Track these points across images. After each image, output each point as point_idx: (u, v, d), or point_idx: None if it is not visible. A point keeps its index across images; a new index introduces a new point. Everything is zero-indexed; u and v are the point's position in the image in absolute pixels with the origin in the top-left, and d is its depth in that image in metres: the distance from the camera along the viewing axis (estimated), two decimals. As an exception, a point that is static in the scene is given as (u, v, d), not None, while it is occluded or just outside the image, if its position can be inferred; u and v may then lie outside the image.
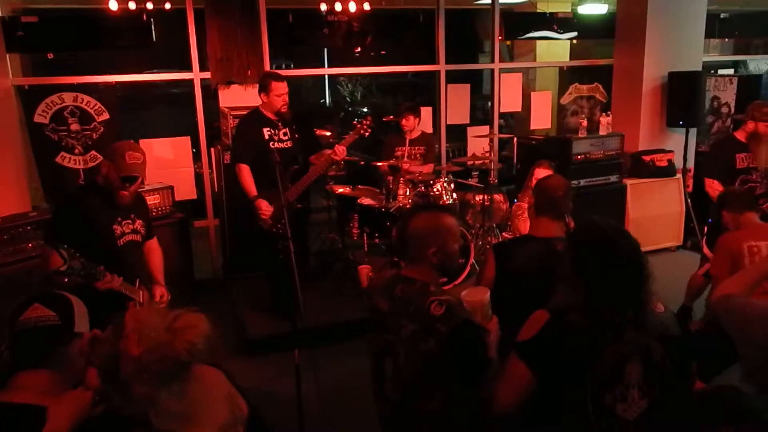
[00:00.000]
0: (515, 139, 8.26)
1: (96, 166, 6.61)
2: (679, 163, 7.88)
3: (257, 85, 5.85)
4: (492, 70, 8.64)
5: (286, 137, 5.77)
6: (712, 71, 9.79)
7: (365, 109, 15.20)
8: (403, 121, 7.08)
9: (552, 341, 2.35)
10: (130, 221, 3.88)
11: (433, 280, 2.67)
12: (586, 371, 2.31)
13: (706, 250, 5.60)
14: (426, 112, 8.27)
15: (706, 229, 5.80)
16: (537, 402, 2.40)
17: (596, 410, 2.33)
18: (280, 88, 5.58)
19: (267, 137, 5.66)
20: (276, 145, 5.63)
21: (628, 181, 7.68)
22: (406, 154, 7.08)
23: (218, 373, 2.26)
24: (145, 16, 7.07)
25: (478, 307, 2.66)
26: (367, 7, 7.94)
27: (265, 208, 5.54)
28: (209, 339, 2.06)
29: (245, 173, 5.62)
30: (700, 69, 7.93)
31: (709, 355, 4.02)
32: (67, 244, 3.31)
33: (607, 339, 2.31)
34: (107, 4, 6.73)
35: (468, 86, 8.67)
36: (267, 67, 7.19)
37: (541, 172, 5.29)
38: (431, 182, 6.71)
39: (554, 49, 11.43)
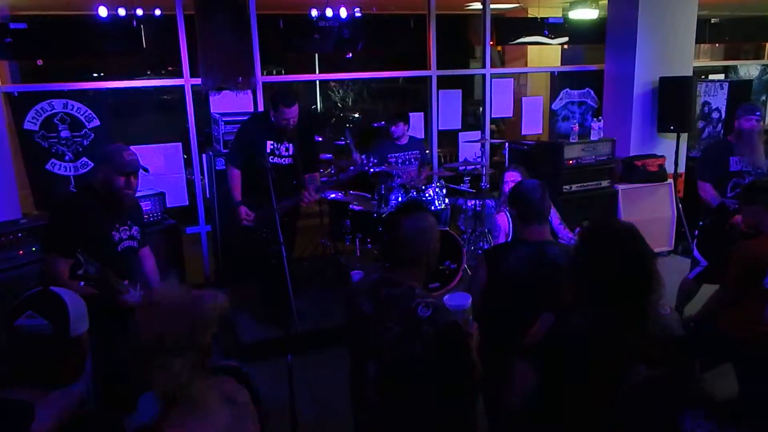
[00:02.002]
0: (507, 144, 8.27)
1: (89, 173, 6.59)
2: (670, 168, 7.89)
3: (249, 90, 5.82)
4: (483, 76, 8.65)
5: (287, 153, 5.68)
6: (703, 76, 9.83)
7: (357, 115, 15.21)
8: (393, 128, 7.12)
9: (558, 343, 2.35)
10: (127, 227, 3.87)
11: (418, 282, 2.67)
12: (592, 372, 2.30)
13: (697, 253, 5.60)
14: (417, 117, 8.29)
15: (697, 232, 5.80)
16: (543, 403, 2.40)
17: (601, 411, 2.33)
18: (287, 113, 5.40)
19: (269, 150, 5.57)
20: (275, 159, 5.58)
21: (620, 186, 7.69)
22: (400, 160, 7.12)
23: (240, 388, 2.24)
24: (134, 23, 7.05)
25: (460, 313, 2.67)
26: (357, 12, 7.95)
27: (245, 215, 5.53)
28: (225, 310, 2.11)
29: (234, 177, 5.61)
30: (690, 74, 7.94)
31: (702, 352, 4.01)
32: (69, 251, 3.31)
33: (612, 340, 2.30)
34: (97, 10, 6.72)
35: (459, 91, 8.67)
36: (258, 73, 7.18)
37: (509, 176, 5.30)
38: (423, 187, 6.71)
39: (546, 55, 11.47)
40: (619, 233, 2.40)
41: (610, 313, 2.30)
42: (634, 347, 2.30)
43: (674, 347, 2.39)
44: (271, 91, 6.23)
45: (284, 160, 5.67)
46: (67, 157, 6.70)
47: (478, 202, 7.25)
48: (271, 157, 5.56)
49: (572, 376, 2.33)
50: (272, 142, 5.60)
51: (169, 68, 7.51)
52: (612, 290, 2.31)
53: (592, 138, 7.67)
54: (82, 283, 3.32)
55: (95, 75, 7.22)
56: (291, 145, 5.67)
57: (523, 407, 2.43)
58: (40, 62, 7.69)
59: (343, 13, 7.75)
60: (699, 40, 8.58)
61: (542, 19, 9.29)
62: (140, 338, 2.03)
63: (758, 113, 5.53)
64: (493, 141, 8.67)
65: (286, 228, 5.64)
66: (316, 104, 16.40)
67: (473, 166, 7.36)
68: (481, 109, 8.99)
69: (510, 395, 2.47)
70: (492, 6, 8.59)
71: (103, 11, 6.74)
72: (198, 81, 6.99)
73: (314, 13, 7.80)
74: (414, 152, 7.28)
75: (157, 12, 7.60)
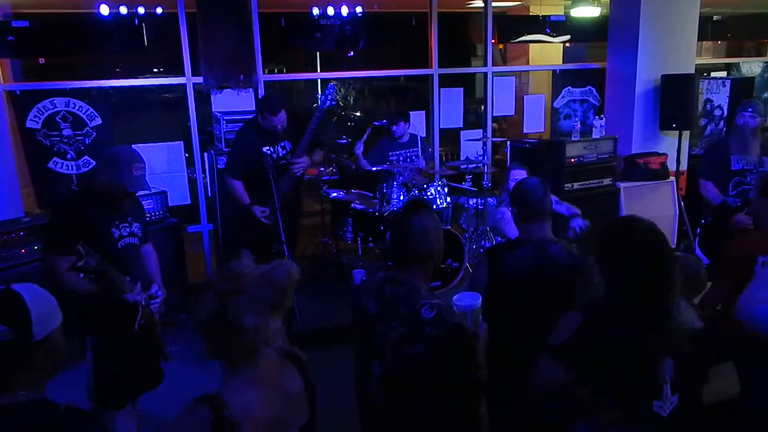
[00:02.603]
0: (508, 142, 8.26)
1: (92, 173, 6.58)
2: (672, 165, 7.88)
3: (251, 89, 5.82)
4: (485, 74, 8.64)
5: (284, 151, 5.73)
6: (705, 74, 9.81)
7: (358, 113, 15.20)
8: (394, 128, 7.13)
9: (587, 341, 2.35)
10: (127, 225, 3.87)
11: (424, 282, 2.66)
12: (623, 368, 2.31)
13: (699, 252, 5.59)
14: (419, 116, 8.28)
15: (699, 230, 5.79)
16: (574, 402, 2.40)
17: (633, 407, 2.34)
18: (272, 121, 5.46)
19: (266, 154, 5.60)
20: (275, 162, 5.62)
21: (622, 184, 7.67)
22: (402, 159, 7.13)
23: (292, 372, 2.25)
24: (136, 21, 7.05)
25: (469, 313, 2.66)
26: (359, 10, 7.94)
27: (260, 213, 5.59)
28: (299, 277, 2.13)
29: (237, 187, 5.67)
30: (692, 72, 7.92)
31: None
32: (69, 249, 3.31)
33: (639, 335, 2.31)
34: (98, 8, 6.71)
35: (461, 90, 8.66)
36: (260, 72, 7.17)
37: (515, 174, 5.29)
38: (424, 186, 6.72)
39: (547, 53, 11.44)
40: (646, 231, 2.43)
41: (638, 310, 2.33)
42: (664, 343, 2.32)
43: (698, 340, 2.40)
44: (271, 89, 6.22)
45: (284, 160, 5.69)
46: (69, 156, 6.70)
47: (479, 201, 7.25)
48: (270, 160, 5.58)
49: (604, 374, 2.33)
50: (268, 147, 5.61)
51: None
52: (641, 287, 2.34)
53: (593, 136, 7.65)
54: (82, 275, 3.33)
55: (97, 73, 7.21)
56: (287, 142, 5.70)
57: (547, 406, 2.44)
58: (41, 60, 7.67)
59: (345, 11, 7.75)
60: (701, 37, 8.55)
61: (544, 17, 9.26)
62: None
63: (750, 109, 5.52)
64: (494, 139, 8.66)
65: (288, 227, 5.67)
66: (317, 103, 16.40)
67: (475, 165, 7.36)
68: (482, 107, 8.98)
69: (533, 393, 2.47)
70: (494, 4, 8.57)
71: (104, 9, 6.73)
72: (200, 79, 6.99)
73: (316, 11, 7.79)
74: (415, 150, 7.29)
75: (159, 10, 7.59)
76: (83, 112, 6.72)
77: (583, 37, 9.49)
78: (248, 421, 1.96)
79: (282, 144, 5.67)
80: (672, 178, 7.86)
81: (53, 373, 2.10)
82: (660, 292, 2.34)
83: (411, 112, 7.54)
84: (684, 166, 8.04)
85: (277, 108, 5.45)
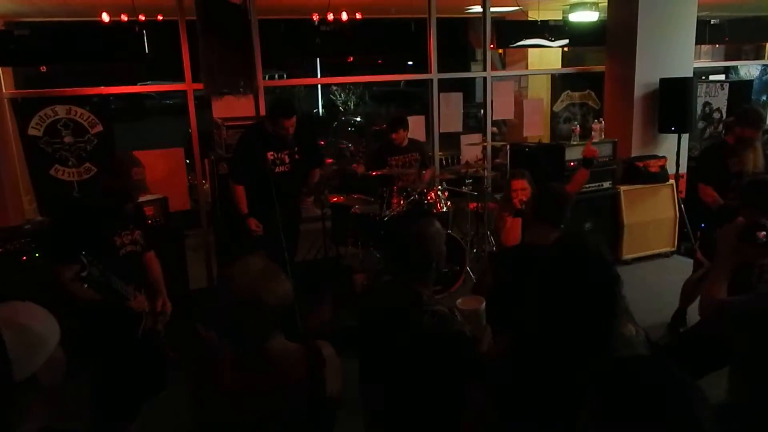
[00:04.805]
0: (508, 146, 8.28)
1: (94, 179, 6.60)
2: (671, 168, 7.90)
3: (251, 95, 5.81)
4: (484, 78, 8.66)
5: (288, 159, 5.75)
6: (703, 77, 9.84)
7: (358, 118, 15.26)
8: (394, 135, 7.10)
9: (512, 367, 2.24)
10: (128, 233, 3.87)
11: (426, 288, 2.68)
12: (548, 401, 2.12)
13: (699, 255, 5.59)
14: (419, 120, 8.29)
15: (699, 234, 5.80)
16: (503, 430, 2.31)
17: None
18: (283, 124, 5.45)
19: (270, 159, 5.61)
20: (279, 168, 5.63)
21: (622, 188, 7.68)
22: (401, 163, 7.13)
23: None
24: (137, 28, 7.07)
25: (473, 317, 2.66)
26: (359, 17, 7.97)
27: (255, 226, 5.58)
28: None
29: (239, 192, 5.66)
30: (691, 75, 7.95)
31: (697, 359, 3.97)
32: (72, 258, 3.33)
33: (569, 366, 2.08)
34: (99, 16, 6.75)
35: (460, 94, 8.68)
36: (260, 78, 7.19)
37: (517, 184, 5.27)
38: (425, 190, 6.72)
39: (546, 57, 11.48)
40: (587, 252, 2.20)
41: (570, 336, 2.11)
42: (594, 374, 1.99)
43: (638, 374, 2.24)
44: (272, 96, 6.24)
45: (285, 167, 5.70)
46: (70, 163, 6.72)
47: (479, 205, 7.27)
48: (274, 166, 5.60)
49: (531, 404, 2.17)
50: (272, 153, 5.62)
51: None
52: (575, 312, 2.10)
53: (593, 139, 7.65)
54: (86, 285, 3.35)
55: (98, 80, 7.24)
56: (289, 150, 5.70)
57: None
58: (43, 68, 7.71)
59: (344, 17, 7.77)
60: (699, 41, 8.59)
61: (543, 21, 9.29)
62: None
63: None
64: (494, 143, 8.68)
65: (288, 231, 5.68)
66: (317, 108, 16.43)
67: (475, 169, 7.38)
68: (482, 111, 9.00)
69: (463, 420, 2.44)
70: (492, 9, 8.59)
71: (105, 17, 6.77)
72: (200, 86, 7.01)
73: (316, 17, 7.82)
74: (414, 154, 7.29)
75: (160, 17, 7.62)
76: (84, 119, 6.73)
77: (582, 41, 9.52)
78: None
79: (286, 152, 5.68)
80: (671, 181, 7.88)
81: (51, 415, 1.79)
82: (597, 319, 2.10)
83: (411, 117, 7.53)
84: (683, 169, 8.06)
85: (292, 112, 5.48)
